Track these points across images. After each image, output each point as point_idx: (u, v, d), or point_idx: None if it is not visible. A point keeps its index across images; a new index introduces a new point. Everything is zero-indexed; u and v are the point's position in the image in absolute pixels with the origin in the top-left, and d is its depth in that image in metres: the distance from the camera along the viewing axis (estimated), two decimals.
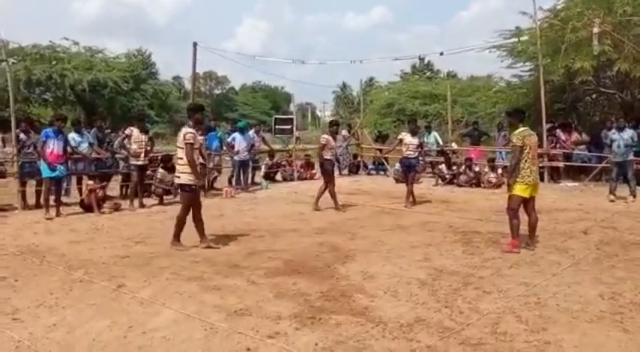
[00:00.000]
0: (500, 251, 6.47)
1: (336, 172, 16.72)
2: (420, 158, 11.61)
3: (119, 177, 11.76)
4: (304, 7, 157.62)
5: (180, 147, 6.73)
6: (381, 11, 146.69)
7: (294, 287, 5.06)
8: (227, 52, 26.11)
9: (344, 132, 19.10)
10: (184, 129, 6.74)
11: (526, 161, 6.47)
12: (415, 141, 10.60)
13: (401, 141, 10.62)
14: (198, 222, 6.85)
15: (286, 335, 3.93)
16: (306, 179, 15.18)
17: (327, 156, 9.93)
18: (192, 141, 6.60)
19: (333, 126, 10.51)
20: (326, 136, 10.12)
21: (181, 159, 6.67)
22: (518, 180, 6.51)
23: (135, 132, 10.15)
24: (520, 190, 6.53)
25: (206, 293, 4.90)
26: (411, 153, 10.52)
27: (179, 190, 7.21)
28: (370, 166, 17.43)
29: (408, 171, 10.67)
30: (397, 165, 13.54)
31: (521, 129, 6.63)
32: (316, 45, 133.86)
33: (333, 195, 9.84)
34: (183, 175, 6.66)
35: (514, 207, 6.57)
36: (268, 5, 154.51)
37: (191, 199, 6.82)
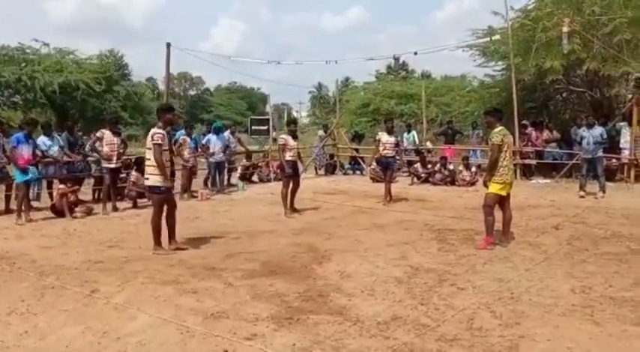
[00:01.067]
0: (474, 248, 6.56)
1: (313, 172, 16.87)
2: (397, 157, 11.68)
3: (91, 181, 11.55)
4: (281, 7, 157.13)
5: (148, 148, 6.65)
6: (357, 11, 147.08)
7: (271, 289, 5.04)
8: (202, 52, 26.09)
9: (320, 132, 19.16)
10: (153, 130, 6.66)
11: (504, 159, 6.58)
12: (392, 139, 10.68)
13: (379, 140, 10.66)
14: (171, 223, 6.78)
15: (264, 337, 3.92)
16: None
17: (288, 157, 9.58)
18: (160, 141, 6.50)
19: (291, 125, 10.15)
20: (284, 136, 9.83)
21: (149, 160, 6.59)
22: (496, 178, 6.61)
23: (107, 134, 9.98)
24: (497, 189, 6.63)
25: (182, 297, 4.84)
26: (389, 151, 10.60)
27: (149, 193, 7.06)
28: (347, 166, 17.49)
29: (386, 170, 10.76)
30: (374, 165, 13.61)
31: (500, 128, 6.74)
32: (293, 45, 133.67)
33: (284, 197, 9.47)
34: (153, 177, 6.56)
35: (490, 205, 6.67)
36: (244, 5, 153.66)
37: (162, 201, 6.75)
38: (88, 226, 8.55)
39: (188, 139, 11.91)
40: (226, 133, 13.99)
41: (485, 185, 6.78)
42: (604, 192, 10.82)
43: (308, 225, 8.40)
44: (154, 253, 6.54)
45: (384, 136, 10.60)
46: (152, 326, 4.17)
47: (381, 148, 10.57)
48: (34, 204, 9.93)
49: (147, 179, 6.70)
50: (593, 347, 3.70)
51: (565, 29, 12.97)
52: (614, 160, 13.16)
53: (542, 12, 14.57)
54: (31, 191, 9.82)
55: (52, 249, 6.93)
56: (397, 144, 11.22)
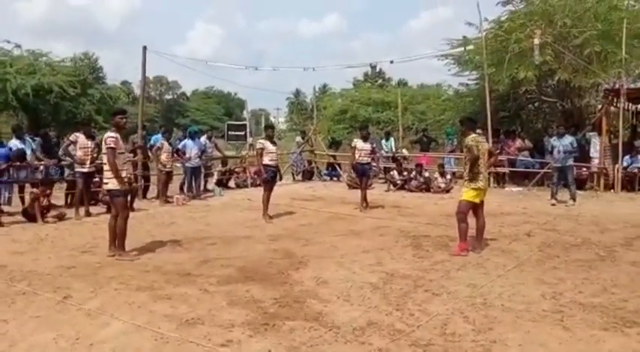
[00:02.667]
0: (448, 254, 6.65)
1: (290, 178, 16.86)
2: (373, 163, 11.75)
3: (64, 185, 11.34)
4: (257, 12, 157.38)
5: (103, 153, 6.66)
6: (333, 19, 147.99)
7: (247, 295, 5.03)
8: (178, 56, 25.77)
9: (298, 138, 19.20)
10: (106, 134, 6.69)
11: (479, 166, 6.69)
12: (367, 146, 10.75)
13: (355, 147, 10.73)
14: (114, 229, 6.69)
15: (239, 343, 3.91)
16: (259, 185, 15.07)
17: (266, 161, 9.60)
18: (113, 145, 6.51)
19: (269, 130, 10.17)
20: (262, 141, 9.84)
21: (106, 164, 6.60)
22: (471, 185, 6.72)
23: (81, 138, 9.83)
24: (470, 196, 6.75)
25: (156, 303, 4.80)
26: (364, 158, 10.67)
27: (110, 197, 6.98)
28: (324, 172, 17.54)
29: (362, 176, 10.82)
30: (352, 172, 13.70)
31: (474, 135, 6.87)
32: (269, 51, 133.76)
33: (265, 202, 9.50)
34: (111, 180, 6.55)
35: (464, 212, 6.77)
36: (220, 10, 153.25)
37: (125, 204, 6.76)
38: (61, 231, 8.39)
39: (166, 144, 11.82)
40: (203, 138, 13.93)
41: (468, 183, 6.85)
42: (574, 200, 11.07)
43: (285, 231, 8.40)
44: (117, 259, 6.47)
45: (359, 143, 10.66)
46: (126, 332, 4.13)
47: (357, 155, 10.63)
48: (5, 208, 9.70)
49: (106, 184, 6.72)
50: (563, 351, 3.79)
51: (536, 41, 13.26)
52: (584, 169, 13.49)
53: (515, 23, 14.89)
54: (1, 195, 9.61)
55: (23, 254, 6.79)
56: (373, 151, 11.30)
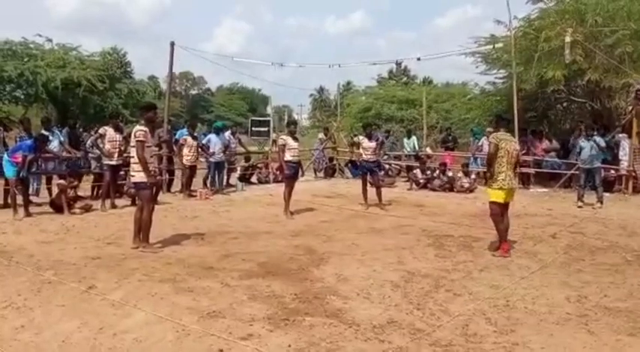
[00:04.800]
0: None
1: (312, 175, 16.88)
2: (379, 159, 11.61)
3: (90, 177, 11.54)
4: (284, 9, 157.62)
5: (132, 146, 6.74)
6: (359, 16, 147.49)
7: (268, 290, 5.06)
8: (205, 52, 25.27)
9: (320, 135, 19.20)
10: (136, 128, 6.76)
11: (501, 165, 6.58)
12: (372, 144, 10.65)
13: (359, 144, 10.68)
14: (139, 221, 6.78)
15: (259, 337, 3.93)
16: (281, 181, 15.11)
17: (288, 157, 9.61)
18: (142, 138, 6.58)
19: (291, 126, 10.27)
20: (284, 137, 9.87)
21: (133, 157, 6.68)
22: (494, 185, 6.63)
23: (109, 131, 10.00)
24: (495, 196, 6.65)
25: (179, 295, 4.86)
26: (371, 156, 10.62)
27: (136, 189, 7.10)
28: (352, 170, 17.48)
29: (371, 174, 10.75)
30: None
31: (501, 133, 6.78)
32: (295, 48, 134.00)
33: (286, 198, 9.54)
34: (139, 173, 6.64)
35: (496, 213, 6.67)
36: (247, 7, 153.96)
37: (150, 196, 6.85)
38: (87, 222, 8.55)
39: (189, 139, 11.94)
40: (227, 134, 14.03)
41: (485, 179, 6.84)
42: (602, 202, 10.83)
43: (306, 228, 8.41)
44: (141, 251, 6.57)
45: (365, 142, 10.61)
46: (148, 323, 4.19)
47: (362, 153, 10.59)
48: (33, 199, 9.92)
49: (133, 176, 6.81)
50: None
51: (568, 39, 12.98)
52: (612, 171, 13.20)
53: (545, 22, 14.60)
54: (30, 186, 9.83)
55: (50, 244, 6.94)
56: (380, 147, 11.28)
